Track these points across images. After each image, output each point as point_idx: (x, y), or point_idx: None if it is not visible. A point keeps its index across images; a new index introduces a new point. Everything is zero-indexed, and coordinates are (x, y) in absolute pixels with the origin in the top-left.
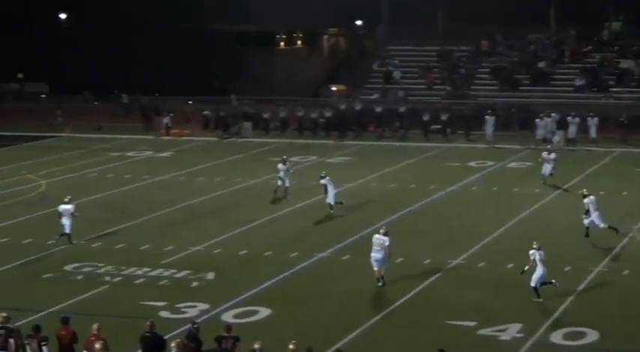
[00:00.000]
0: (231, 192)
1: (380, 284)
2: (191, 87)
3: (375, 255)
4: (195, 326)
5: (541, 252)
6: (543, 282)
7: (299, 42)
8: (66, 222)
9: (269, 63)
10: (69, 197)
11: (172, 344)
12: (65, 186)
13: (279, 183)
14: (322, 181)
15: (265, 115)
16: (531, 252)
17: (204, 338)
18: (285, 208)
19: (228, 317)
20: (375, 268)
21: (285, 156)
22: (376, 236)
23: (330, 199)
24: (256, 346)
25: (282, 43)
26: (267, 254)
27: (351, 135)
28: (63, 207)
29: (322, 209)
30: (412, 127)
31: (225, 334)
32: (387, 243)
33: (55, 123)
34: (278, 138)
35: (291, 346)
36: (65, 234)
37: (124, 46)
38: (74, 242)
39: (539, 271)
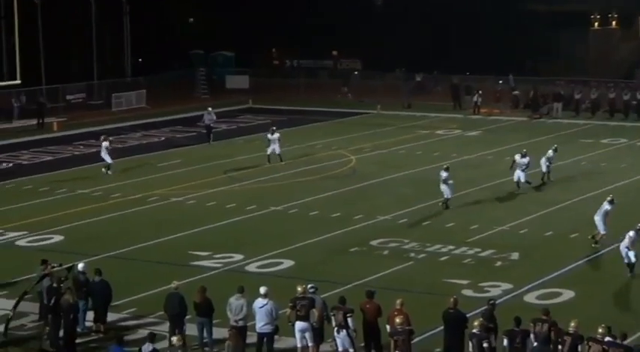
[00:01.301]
0: (538, 173)
1: (594, 244)
2: (503, 66)
3: (595, 217)
4: (492, 302)
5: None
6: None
7: (614, 23)
8: (444, 188)
9: (582, 43)
10: (447, 164)
11: (475, 323)
12: (374, 162)
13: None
14: (519, 159)
15: (576, 96)
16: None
17: (506, 318)
18: (595, 190)
19: (531, 298)
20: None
21: (555, 146)
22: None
23: (516, 176)
24: (572, 324)
25: (596, 24)
26: (572, 236)
27: None
28: (442, 174)
29: (631, 192)
30: None
31: (543, 317)
32: (604, 208)
33: (340, 100)
34: (588, 119)
35: (600, 330)
36: (445, 198)
37: (438, 24)
38: (451, 205)
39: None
